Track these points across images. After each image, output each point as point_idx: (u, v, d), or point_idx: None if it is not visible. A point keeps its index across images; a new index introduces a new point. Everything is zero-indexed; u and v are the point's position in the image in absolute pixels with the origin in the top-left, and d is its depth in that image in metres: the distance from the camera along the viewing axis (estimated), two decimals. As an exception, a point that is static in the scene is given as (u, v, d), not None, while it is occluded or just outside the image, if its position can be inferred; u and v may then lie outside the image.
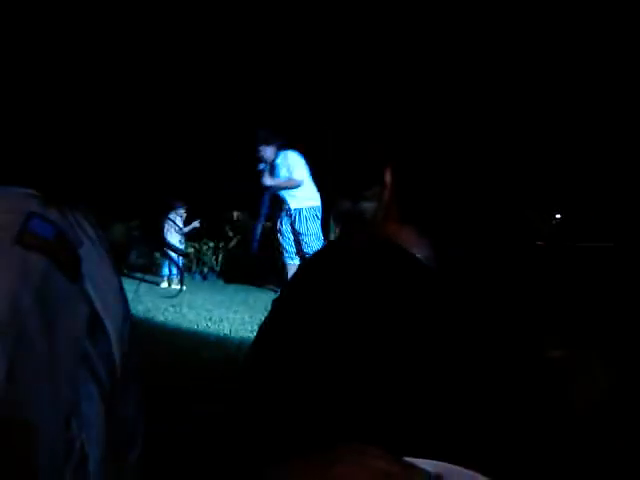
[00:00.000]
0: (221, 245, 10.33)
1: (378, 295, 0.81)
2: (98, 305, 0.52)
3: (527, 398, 0.81)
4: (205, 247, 10.32)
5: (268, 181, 6.83)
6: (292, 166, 6.77)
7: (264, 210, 7.26)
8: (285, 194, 6.91)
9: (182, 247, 8.82)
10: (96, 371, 0.49)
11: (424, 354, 0.78)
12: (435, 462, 0.64)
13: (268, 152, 6.78)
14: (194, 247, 10.21)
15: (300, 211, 6.90)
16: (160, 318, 5.96)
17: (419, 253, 0.88)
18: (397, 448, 0.67)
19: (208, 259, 10.19)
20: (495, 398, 0.79)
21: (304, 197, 6.94)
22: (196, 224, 9.38)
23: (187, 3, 0.66)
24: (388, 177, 0.93)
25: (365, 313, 0.80)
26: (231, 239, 10.42)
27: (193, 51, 0.65)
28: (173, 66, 0.64)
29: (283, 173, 6.81)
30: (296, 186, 6.80)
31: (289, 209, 6.94)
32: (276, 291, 8.50)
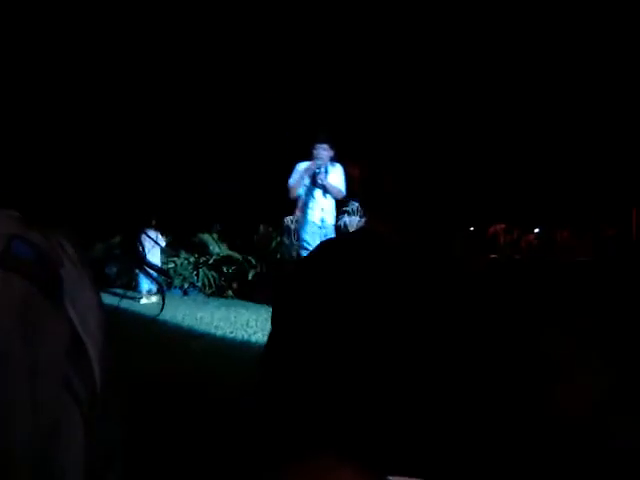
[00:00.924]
0: (202, 260, 10.29)
1: (356, 282, 0.83)
2: (79, 326, 0.52)
3: (511, 398, 0.82)
4: (185, 262, 10.27)
5: (324, 179, 6.56)
6: (342, 178, 6.58)
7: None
8: (318, 204, 6.68)
9: (160, 263, 8.77)
10: (77, 393, 0.48)
11: (400, 339, 0.79)
12: None
13: (325, 154, 6.55)
14: (174, 262, 10.17)
15: (329, 226, 6.71)
16: (141, 335, 5.90)
17: (392, 238, 0.90)
18: (381, 464, 0.68)
19: (188, 274, 10.14)
20: (475, 392, 0.80)
21: (334, 212, 6.83)
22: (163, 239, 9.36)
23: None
24: (356, 171, 0.97)
25: (347, 300, 0.81)
26: (211, 255, 10.38)
27: (162, 74, 0.66)
28: (147, 85, 0.65)
29: (331, 180, 6.60)
30: (339, 197, 6.66)
31: (323, 220, 6.78)
32: (258, 306, 8.48)
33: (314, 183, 6.61)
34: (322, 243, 0.99)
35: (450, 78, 0.99)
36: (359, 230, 0.97)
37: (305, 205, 6.76)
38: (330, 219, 6.77)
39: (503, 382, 0.82)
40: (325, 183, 6.56)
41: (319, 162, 6.52)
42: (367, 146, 0.95)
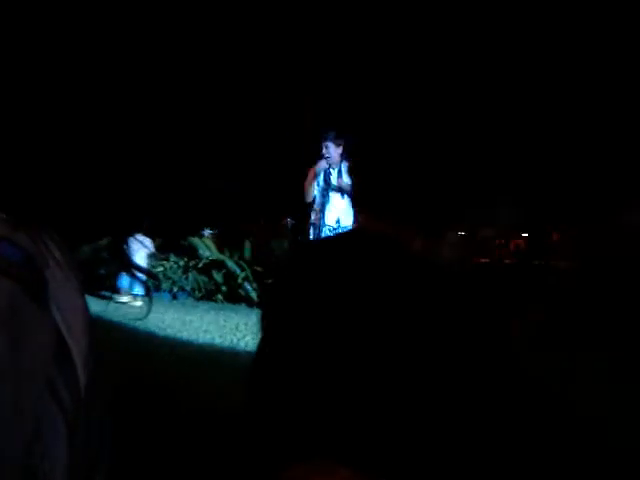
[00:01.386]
0: (191, 264, 10.26)
1: (346, 285, 0.82)
2: (64, 329, 0.51)
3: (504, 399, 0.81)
4: (175, 266, 10.24)
5: (338, 180, 6.39)
6: None
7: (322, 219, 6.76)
8: (333, 205, 6.53)
9: (148, 266, 8.70)
10: (60, 396, 0.48)
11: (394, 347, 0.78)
12: None
13: (335, 153, 6.37)
14: (163, 266, 10.13)
15: (344, 227, 6.53)
16: (128, 339, 5.88)
17: (384, 237, 0.90)
18: (375, 469, 0.67)
19: (178, 278, 10.10)
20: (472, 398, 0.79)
21: (350, 212, 6.70)
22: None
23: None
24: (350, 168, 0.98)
25: (337, 304, 0.80)
26: (201, 258, 10.36)
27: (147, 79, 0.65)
28: (136, 86, 0.64)
29: (346, 179, 6.37)
30: None
31: (338, 221, 6.65)
32: (248, 310, 8.46)
33: (328, 184, 6.53)
34: (311, 244, 0.99)
35: (442, 81, 0.99)
36: (351, 230, 0.97)
37: (321, 207, 6.67)
38: (345, 219, 6.65)
39: (491, 386, 0.82)
40: (339, 183, 6.45)
41: (329, 162, 6.43)
42: (359, 143, 0.95)
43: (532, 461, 0.80)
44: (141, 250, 7.60)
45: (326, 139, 6.39)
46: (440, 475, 0.70)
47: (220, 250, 10.55)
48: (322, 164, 6.42)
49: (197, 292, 9.90)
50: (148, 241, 8.81)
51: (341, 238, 0.94)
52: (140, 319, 6.58)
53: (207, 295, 9.78)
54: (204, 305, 9.06)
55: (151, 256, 9.35)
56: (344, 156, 6.40)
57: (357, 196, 0.97)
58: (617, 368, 4.34)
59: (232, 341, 5.95)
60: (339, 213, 6.60)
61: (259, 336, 0.89)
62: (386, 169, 0.90)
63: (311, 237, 6.79)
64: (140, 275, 0.71)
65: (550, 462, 0.81)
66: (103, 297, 7.52)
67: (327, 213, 6.61)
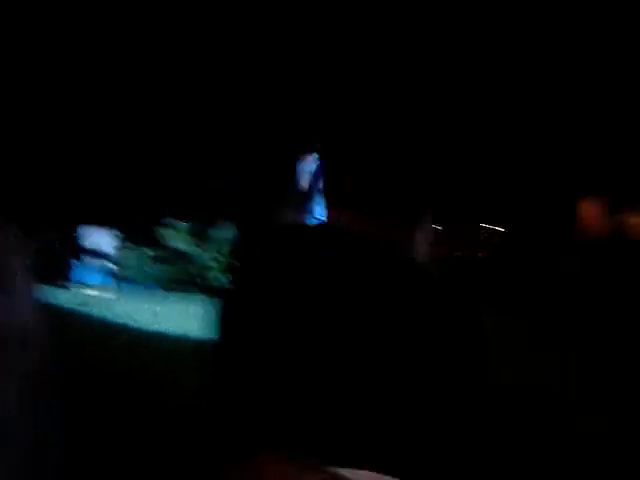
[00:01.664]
0: (162, 255, 10.22)
1: (304, 273, 0.81)
2: (22, 316, 0.51)
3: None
4: (145, 256, 10.19)
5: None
6: None
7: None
8: (320, 202, 6.60)
9: (116, 257, 8.60)
10: (15, 383, 0.48)
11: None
12: (361, 472, 0.63)
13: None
14: (132, 256, 10.07)
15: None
16: (95, 329, 5.82)
17: (350, 230, 0.90)
18: (326, 456, 0.67)
19: (148, 269, 10.06)
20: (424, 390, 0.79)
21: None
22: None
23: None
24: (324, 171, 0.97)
25: (293, 293, 0.80)
26: (172, 249, 10.32)
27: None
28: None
29: None
30: None
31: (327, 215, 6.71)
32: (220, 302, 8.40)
33: (316, 180, 6.57)
34: (281, 237, 0.97)
35: (416, 84, 0.98)
36: (325, 224, 0.96)
37: (309, 202, 6.70)
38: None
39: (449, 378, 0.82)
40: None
41: (319, 159, 6.48)
42: (329, 150, 0.94)
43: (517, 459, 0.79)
44: (107, 240, 7.52)
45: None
46: (427, 474, 0.69)
47: (195, 242, 10.54)
48: (311, 159, 6.48)
49: (168, 283, 9.87)
50: (115, 232, 8.71)
51: (313, 231, 0.93)
52: (107, 309, 6.53)
53: (178, 286, 9.76)
54: (174, 296, 9.04)
55: (119, 247, 9.25)
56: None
57: (330, 192, 0.95)
58: (614, 368, 4.39)
59: (201, 331, 5.94)
60: (325, 209, 6.66)
61: (220, 322, 0.88)
62: (359, 166, 0.89)
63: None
64: (109, 266, 0.70)
65: (542, 461, 0.81)
66: (66, 287, 7.39)
67: (316, 208, 6.68)
